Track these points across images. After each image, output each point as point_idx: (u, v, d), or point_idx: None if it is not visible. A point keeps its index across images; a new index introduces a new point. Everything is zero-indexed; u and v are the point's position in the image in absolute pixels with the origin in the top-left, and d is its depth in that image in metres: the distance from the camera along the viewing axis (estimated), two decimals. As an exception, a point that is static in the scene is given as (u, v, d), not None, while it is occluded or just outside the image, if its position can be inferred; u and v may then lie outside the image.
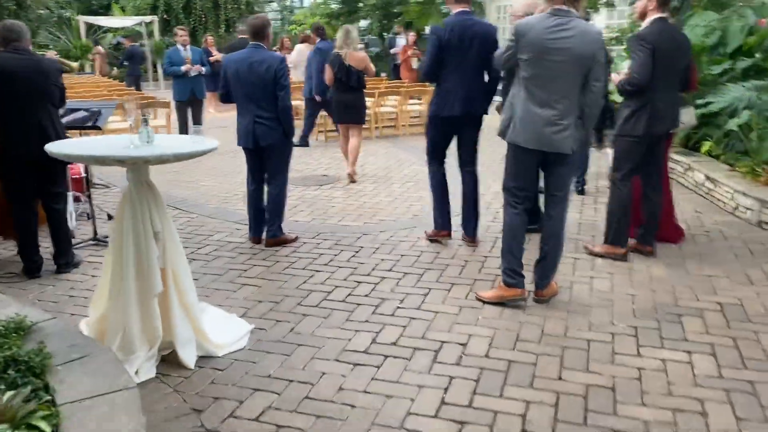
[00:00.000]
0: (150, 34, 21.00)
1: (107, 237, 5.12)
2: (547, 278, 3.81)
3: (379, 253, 4.75)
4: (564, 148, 3.58)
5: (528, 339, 3.39)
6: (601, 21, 12.63)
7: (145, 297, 3.02)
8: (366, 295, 3.96)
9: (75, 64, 8.24)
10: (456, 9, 4.56)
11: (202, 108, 9.09)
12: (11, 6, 19.82)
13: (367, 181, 7.16)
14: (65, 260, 4.36)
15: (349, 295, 3.98)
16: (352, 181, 7.12)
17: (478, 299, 3.85)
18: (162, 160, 2.88)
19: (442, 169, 4.89)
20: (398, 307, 3.79)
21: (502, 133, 3.73)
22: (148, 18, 20.55)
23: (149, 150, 2.86)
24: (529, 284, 3.86)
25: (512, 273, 3.74)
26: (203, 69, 8.78)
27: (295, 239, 5.04)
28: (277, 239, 4.91)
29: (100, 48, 14.72)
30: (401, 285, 4.13)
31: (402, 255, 4.69)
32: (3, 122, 4.07)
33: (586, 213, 5.72)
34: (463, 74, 4.53)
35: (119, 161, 2.79)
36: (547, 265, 3.79)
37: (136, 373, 2.98)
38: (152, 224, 3.00)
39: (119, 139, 3.06)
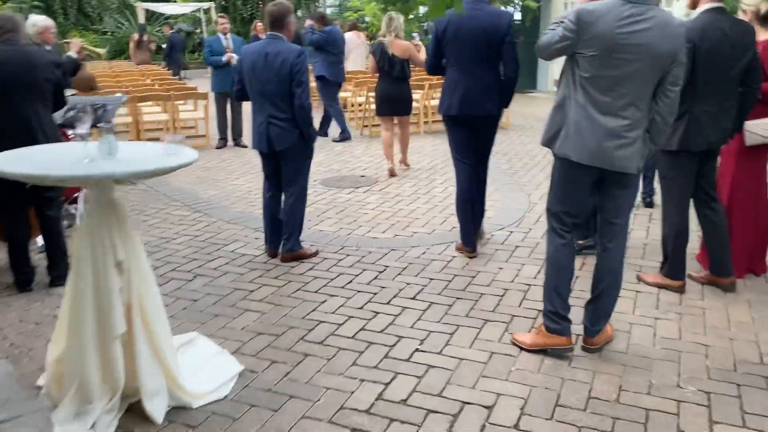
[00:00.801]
0: (208, 21, 20.93)
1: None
2: (599, 324, 3.13)
3: (406, 274, 4.16)
4: (628, 167, 2.90)
5: (570, 404, 2.74)
6: (678, 10, 11.51)
7: (105, 339, 2.54)
8: (381, 331, 3.39)
9: (102, 51, 7.95)
10: None
11: (242, 99, 8.66)
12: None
13: (407, 183, 6.56)
14: (58, 272, 3.97)
15: (361, 329, 3.41)
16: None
17: (514, 343, 3.22)
18: (114, 179, 2.37)
19: (465, 173, 4.41)
20: (417, 350, 3.19)
21: (549, 143, 3.07)
22: (205, 4, 20.45)
23: (99, 167, 2.36)
24: (577, 324, 3.20)
25: (555, 317, 3.08)
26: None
27: (316, 254, 4.51)
28: (294, 254, 4.39)
29: (134, 35, 14.60)
30: (424, 319, 3.53)
31: (431, 278, 4.08)
32: None
33: (654, 231, 4.94)
34: (465, 70, 4.15)
35: (61, 180, 2.30)
36: (600, 308, 3.12)
37: (93, 427, 2.52)
38: (114, 252, 2.51)
39: (75, 149, 2.58)
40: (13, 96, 3.66)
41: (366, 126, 9.46)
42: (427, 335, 3.34)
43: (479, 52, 4.12)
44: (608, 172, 2.94)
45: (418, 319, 3.52)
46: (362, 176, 6.95)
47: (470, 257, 4.43)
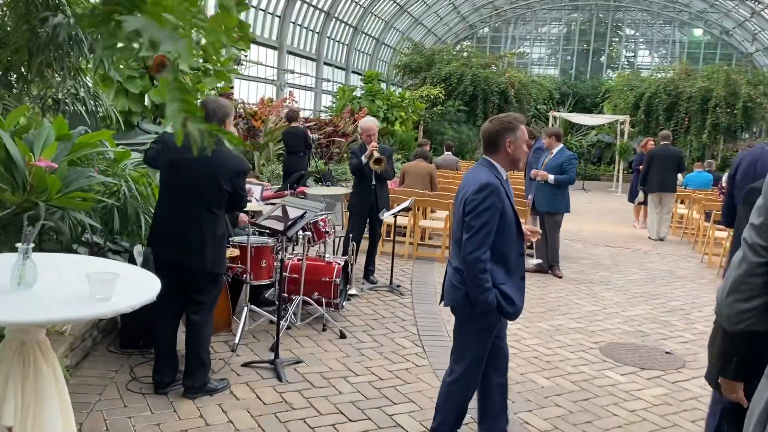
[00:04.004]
0: (623, 133, 19.99)
1: (297, 362, 4.22)
2: None
3: None
4: None
5: None
6: None
7: None
8: None
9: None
10: None
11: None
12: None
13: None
14: (192, 383, 3.62)
15: None
16: None
17: None
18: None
19: None
20: None
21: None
22: (622, 117, 19.54)
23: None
24: None
25: None
26: (550, 177, 7.23)
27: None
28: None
29: None
30: None
31: None
32: (156, 215, 3.65)
33: None
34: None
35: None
36: None
37: None
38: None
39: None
40: (180, 200, 3.51)
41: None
42: None
43: None
44: None
45: None
46: (668, 353, 4.96)
47: None
